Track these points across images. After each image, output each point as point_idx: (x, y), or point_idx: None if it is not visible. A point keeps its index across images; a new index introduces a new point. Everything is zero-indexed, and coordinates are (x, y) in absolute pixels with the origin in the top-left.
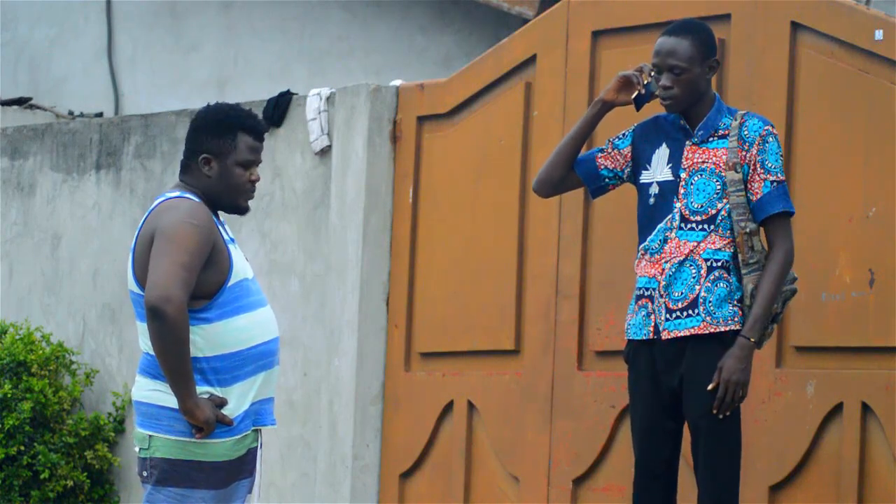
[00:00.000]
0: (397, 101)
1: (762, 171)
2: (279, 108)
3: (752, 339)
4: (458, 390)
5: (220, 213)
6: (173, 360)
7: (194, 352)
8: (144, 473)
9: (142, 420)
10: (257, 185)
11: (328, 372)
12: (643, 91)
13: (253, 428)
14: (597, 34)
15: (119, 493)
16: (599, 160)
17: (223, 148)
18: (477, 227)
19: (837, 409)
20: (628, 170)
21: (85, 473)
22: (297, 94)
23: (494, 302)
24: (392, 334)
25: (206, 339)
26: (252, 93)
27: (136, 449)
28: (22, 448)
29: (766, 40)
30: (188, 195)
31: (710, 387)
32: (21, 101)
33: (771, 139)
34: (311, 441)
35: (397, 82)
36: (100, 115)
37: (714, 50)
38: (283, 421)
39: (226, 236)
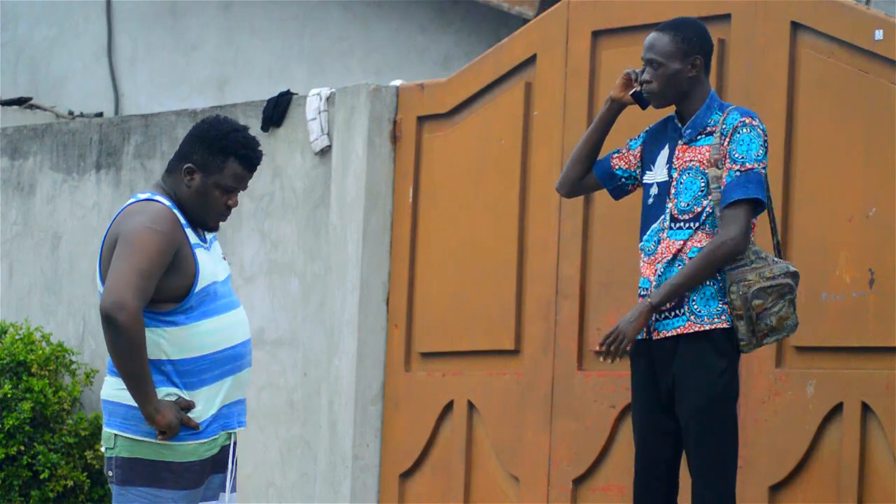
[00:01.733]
0: (397, 101)
1: (728, 160)
2: (279, 108)
3: (650, 301)
4: (458, 390)
5: None
6: (128, 366)
7: (160, 354)
8: (110, 473)
9: (108, 419)
10: (257, 185)
11: (328, 372)
12: (639, 88)
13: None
14: (597, 34)
15: None
16: (614, 160)
17: (210, 166)
18: (477, 227)
19: (837, 409)
20: (639, 170)
21: (85, 473)
22: (297, 94)
23: (494, 302)
24: (392, 334)
25: (173, 343)
26: (252, 93)
27: (103, 448)
28: (22, 448)
29: (766, 40)
30: (158, 198)
31: (597, 348)
32: (21, 101)
33: (745, 130)
34: (311, 441)
35: (397, 82)
36: (100, 115)
37: (701, 47)
38: (283, 421)
39: (193, 240)
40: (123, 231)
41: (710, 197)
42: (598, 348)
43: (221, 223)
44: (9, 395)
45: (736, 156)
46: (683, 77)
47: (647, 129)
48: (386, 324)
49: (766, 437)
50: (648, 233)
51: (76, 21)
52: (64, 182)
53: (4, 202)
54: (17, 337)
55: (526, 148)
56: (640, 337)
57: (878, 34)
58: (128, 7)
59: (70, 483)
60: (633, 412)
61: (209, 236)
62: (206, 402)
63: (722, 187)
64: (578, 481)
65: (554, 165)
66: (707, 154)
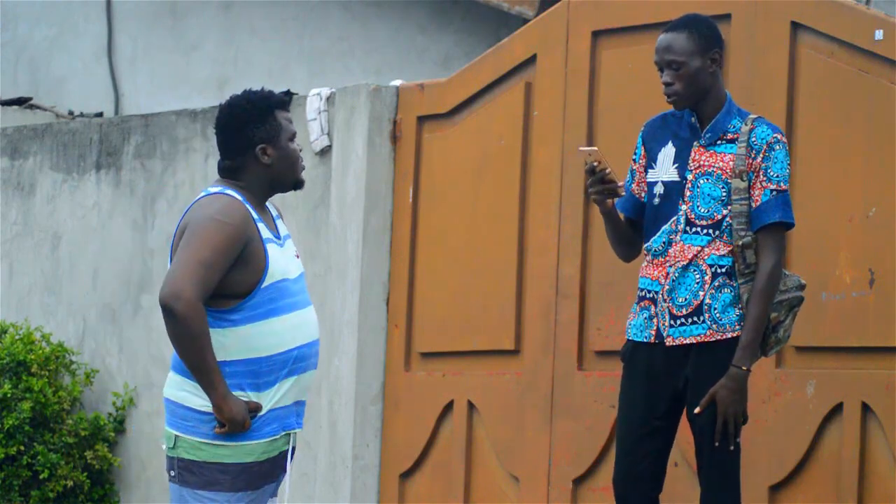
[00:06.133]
0: (397, 101)
1: (764, 178)
2: None
3: (744, 368)
4: (458, 390)
5: (277, 210)
6: (191, 357)
7: (223, 355)
8: (172, 472)
9: (169, 418)
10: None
11: (328, 372)
12: (598, 169)
13: (283, 432)
14: (597, 34)
15: (119, 493)
16: (635, 191)
17: (270, 131)
18: (477, 227)
19: (837, 409)
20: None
21: (85, 473)
22: (297, 94)
23: (494, 302)
24: (392, 334)
25: (235, 342)
26: None
27: (164, 446)
28: (22, 448)
29: (766, 40)
30: (229, 191)
31: (696, 411)
32: (21, 101)
33: (778, 147)
34: (311, 441)
35: (397, 82)
36: (100, 115)
37: (716, 42)
38: None
39: (266, 234)
40: (191, 223)
41: (729, 207)
42: (716, 441)
43: (301, 182)
44: (9, 395)
45: (772, 174)
46: (705, 74)
47: (644, 128)
48: (386, 324)
49: (766, 437)
50: (658, 233)
51: (76, 21)
52: (64, 182)
53: (4, 202)
54: (16, 337)
55: (526, 148)
56: (645, 340)
57: (878, 34)
58: (128, 7)
59: (70, 483)
60: (620, 410)
61: (283, 233)
62: (267, 402)
63: (756, 204)
64: (578, 481)
65: (554, 165)
66: (730, 163)
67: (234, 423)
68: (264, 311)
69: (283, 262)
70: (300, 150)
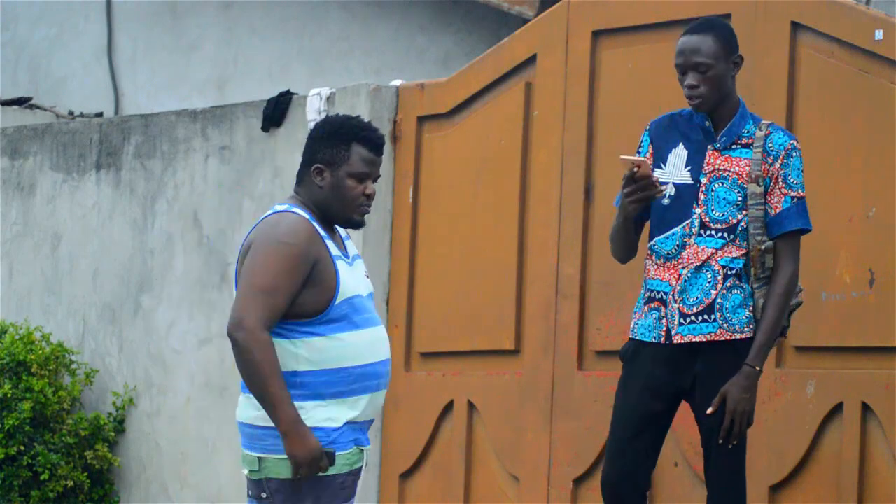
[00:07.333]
0: (397, 101)
1: (783, 185)
2: (279, 108)
3: (758, 368)
4: (458, 390)
5: (346, 231)
6: (256, 387)
7: (296, 365)
8: (264, 495)
9: (248, 442)
10: (257, 185)
11: None
12: (660, 187)
13: (357, 448)
14: (597, 34)
15: (119, 493)
16: None
17: (336, 158)
18: (477, 227)
19: (837, 409)
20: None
21: (85, 473)
22: (297, 94)
23: (494, 302)
24: (392, 334)
25: (311, 354)
26: (252, 93)
27: (246, 471)
28: (22, 448)
29: (766, 40)
30: (296, 209)
31: (709, 411)
32: (21, 101)
33: (795, 154)
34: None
35: (397, 82)
36: (100, 115)
37: (737, 47)
38: None
39: (335, 251)
40: (254, 244)
41: (745, 212)
42: (721, 438)
43: (360, 218)
44: (9, 395)
45: (791, 181)
46: (728, 78)
47: (649, 127)
48: (386, 324)
49: (766, 437)
50: (668, 235)
51: (76, 21)
52: (64, 182)
53: (4, 202)
54: (16, 337)
55: (526, 148)
56: (654, 340)
57: (878, 34)
58: (128, 7)
59: (70, 483)
60: (618, 407)
61: (352, 253)
62: (340, 414)
63: (777, 211)
64: (578, 481)
65: (554, 165)
66: (747, 168)
67: (303, 453)
68: (340, 325)
69: (352, 279)
70: (367, 193)
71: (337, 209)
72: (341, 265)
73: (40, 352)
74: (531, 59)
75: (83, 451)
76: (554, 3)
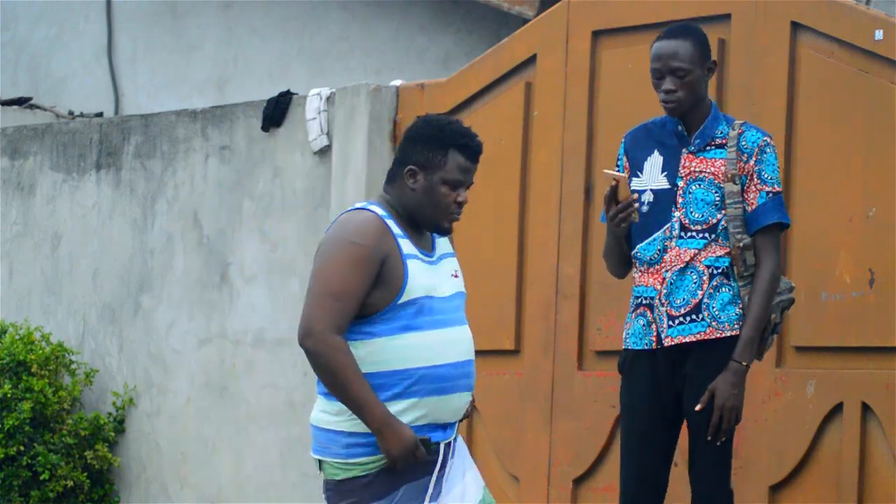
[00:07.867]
0: (397, 101)
1: (758, 181)
2: (279, 108)
3: (744, 363)
4: None
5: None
6: (336, 390)
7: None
8: (324, 495)
9: (313, 443)
10: (257, 185)
11: None
12: (637, 205)
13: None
14: (597, 34)
15: (119, 493)
16: None
17: (432, 163)
18: (477, 227)
19: (837, 409)
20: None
21: (85, 473)
22: (297, 94)
23: (494, 302)
24: None
25: (369, 355)
26: (252, 93)
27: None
28: (22, 448)
29: (766, 40)
30: (372, 206)
31: (697, 407)
32: (21, 101)
33: (769, 150)
34: (311, 441)
35: (397, 82)
36: (100, 115)
37: (710, 52)
38: (283, 421)
39: (409, 250)
40: (323, 244)
41: (724, 211)
42: (709, 435)
43: (448, 225)
44: (9, 395)
45: (766, 177)
46: (703, 82)
47: (623, 140)
48: None
49: (766, 437)
50: (650, 241)
51: (76, 21)
52: (64, 182)
53: (4, 202)
54: (16, 337)
55: (526, 148)
56: (645, 347)
57: (878, 34)
58: (128, 7)
59: (70, 483)
60: (625, 422)
61: (441, 252)
62: (399, 417)
63: (753, 207)
64: (578, 481)
65: (554, 165)
66: (722, 167)
67: (397, 448)
68: (400, 325)
69: (426, 278)
70: (459, 201)
71: (427, 214)
72: (414, 264)
73: (40, 352)
74: (531, 59)
75: (83, 451)
76: (554, 3)
